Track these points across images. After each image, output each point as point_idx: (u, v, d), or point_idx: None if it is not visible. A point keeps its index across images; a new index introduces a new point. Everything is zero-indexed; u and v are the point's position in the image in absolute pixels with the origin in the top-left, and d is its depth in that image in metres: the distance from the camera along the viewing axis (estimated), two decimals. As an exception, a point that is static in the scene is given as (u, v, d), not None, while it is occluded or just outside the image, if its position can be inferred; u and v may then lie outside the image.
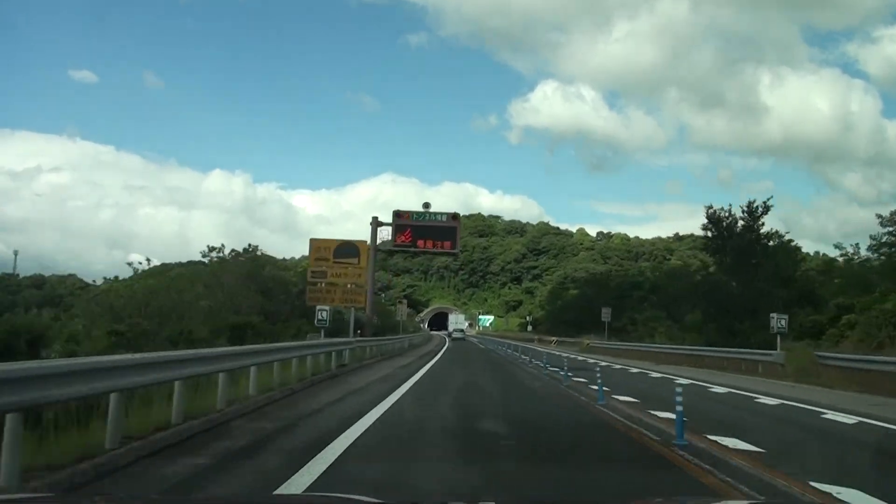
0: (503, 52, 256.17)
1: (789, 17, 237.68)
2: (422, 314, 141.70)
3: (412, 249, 35.46)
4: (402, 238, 32.82)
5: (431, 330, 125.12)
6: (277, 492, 5.17)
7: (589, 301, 63.45)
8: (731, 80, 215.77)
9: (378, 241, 32.64)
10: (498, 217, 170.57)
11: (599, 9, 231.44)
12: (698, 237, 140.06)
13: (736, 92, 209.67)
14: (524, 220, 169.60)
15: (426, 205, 33.55)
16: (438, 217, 33.51)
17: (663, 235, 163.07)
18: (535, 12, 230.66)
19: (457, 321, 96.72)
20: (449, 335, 79.67)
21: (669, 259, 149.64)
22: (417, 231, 32.88)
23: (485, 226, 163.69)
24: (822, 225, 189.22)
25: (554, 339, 62.68)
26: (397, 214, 33.00)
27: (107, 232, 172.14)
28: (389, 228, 32.66)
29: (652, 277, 69.42)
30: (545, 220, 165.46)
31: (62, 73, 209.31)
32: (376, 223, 32.27)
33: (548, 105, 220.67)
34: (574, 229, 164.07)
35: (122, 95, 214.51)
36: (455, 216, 34.27)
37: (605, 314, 47.07)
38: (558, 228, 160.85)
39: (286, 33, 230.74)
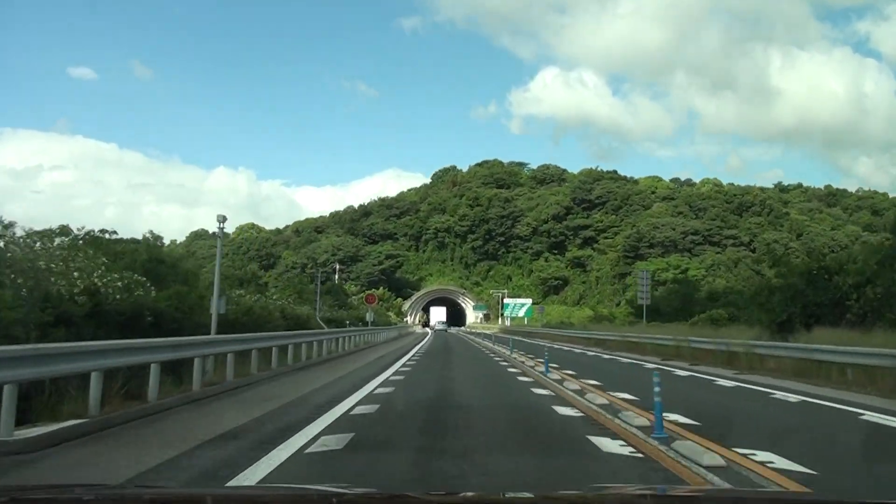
0: (502, 37, 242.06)
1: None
2: (410, 301, 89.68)
3: None
4: None
5: (425, 326, 79.66)
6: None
7: None
8: (741, 62, 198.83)
9: None
10: (523, 164, 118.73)
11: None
12: (809, 188, 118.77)
13: (745, 74, 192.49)
14: (562, 167, 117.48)
15: None
16: None
17: (762, 185, 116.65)
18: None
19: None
20: (432, 329, 78.86)
21: (788, 213, 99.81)
22: None
23: (505, 174, 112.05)
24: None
25: None
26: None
27: (110, 230, 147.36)
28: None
29: None
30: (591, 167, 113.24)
31: (61, 71, 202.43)
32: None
33: (549, 92, 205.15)
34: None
35: (122, 93, 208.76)
36: None
37: None
38: (616, 172, 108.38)
39: (283, 21, 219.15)
